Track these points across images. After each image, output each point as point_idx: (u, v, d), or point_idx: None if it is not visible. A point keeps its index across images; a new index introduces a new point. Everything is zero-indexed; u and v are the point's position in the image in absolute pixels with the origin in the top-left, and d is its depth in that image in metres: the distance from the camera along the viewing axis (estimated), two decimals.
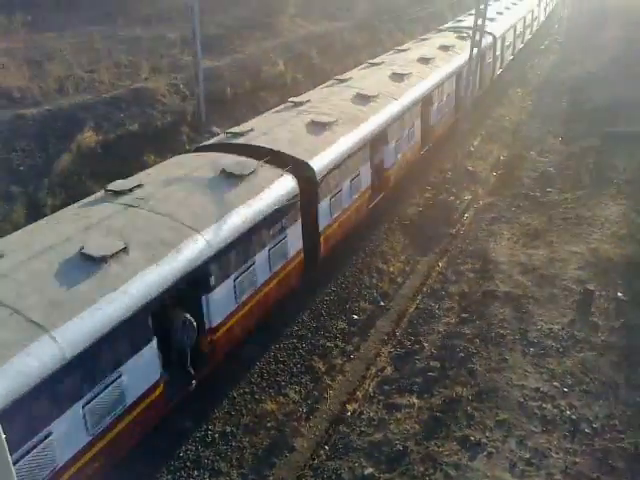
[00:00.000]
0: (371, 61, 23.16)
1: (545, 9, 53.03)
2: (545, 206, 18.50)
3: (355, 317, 14.56)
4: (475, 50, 22.66)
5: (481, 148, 24.86)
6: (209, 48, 24.41)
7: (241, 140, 14.37)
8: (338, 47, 32.23)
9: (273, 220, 12.18)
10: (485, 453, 9.66)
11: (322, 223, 14.25)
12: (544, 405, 10.47)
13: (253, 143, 14.09)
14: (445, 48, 25.04)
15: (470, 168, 22.55)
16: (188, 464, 10.52)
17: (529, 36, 42.59)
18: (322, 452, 10.76)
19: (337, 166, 14.58)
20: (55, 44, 23.63)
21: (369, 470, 9.91)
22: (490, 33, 28.46)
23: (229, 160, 12.88)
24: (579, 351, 11.79)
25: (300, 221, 13.25)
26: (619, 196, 18.51)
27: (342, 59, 30.72)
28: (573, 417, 10.23)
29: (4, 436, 2.41)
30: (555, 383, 10.99)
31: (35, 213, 14.78)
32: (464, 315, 13.65)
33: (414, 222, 19.04)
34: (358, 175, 15.85)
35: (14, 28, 24.28)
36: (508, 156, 23.85)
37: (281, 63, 27.39)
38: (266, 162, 12.96)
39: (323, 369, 12.83)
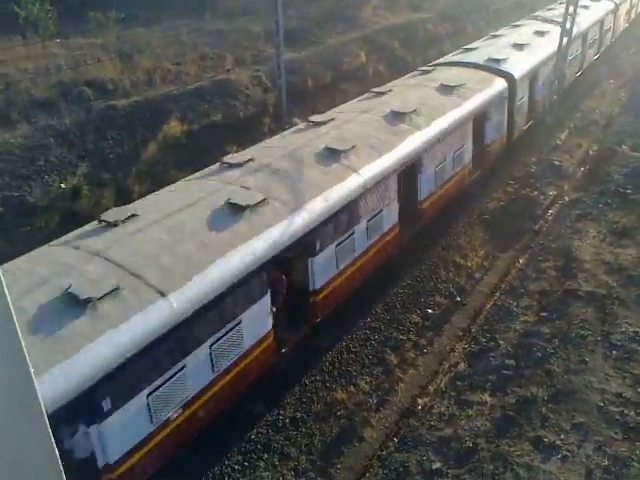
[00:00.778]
0: (314, 119, 15.05)
1: (628, 13, 40.43)
2: (636, 203, 17.52)
3: (430, 311, 14.39)
4: (565, 41, 21.77)
5: (569, 142, 23.84)
6: (291, 40, 24.74)
7: None
8: (421, 38, 31.80)
9: None
10: (559, 456, 9.31)
11: None
12: (626, 411, 9.95)
13: None
14: (448, 90, 16.99)
15: (556, 162, 21.70)
16: (259, 447, 10.77)
17: (594, 58, 31.96)
18: (390, 444, 10.73)
19: None
20: (145, 38, 24.64)
21: (437, 465, 9.79)
22: (505, 74, 19.53)
23: None
24: None
25: None
26: None
27: (425, 50, 30.35)
28: None
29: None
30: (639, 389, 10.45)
31: (123, 199, 15.48)
32: (543, 314, 13.18)
33: (495, 217, 18.55)
34: None
35: (109, 25, 25.52)
36: (597, 150, 22.75)
37: (362, 54, 27.35)
38: None
39: (395, 362, 12.77)
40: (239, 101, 21.72)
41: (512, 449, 9.62)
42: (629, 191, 18.44)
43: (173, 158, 18.46)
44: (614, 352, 11.39)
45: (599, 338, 11.82)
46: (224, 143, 19.45)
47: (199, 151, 18.68)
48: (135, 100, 19.58)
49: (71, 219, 14.70)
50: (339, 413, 11.43)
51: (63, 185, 16.10)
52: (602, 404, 10.19)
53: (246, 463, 10.44)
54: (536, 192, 19.62)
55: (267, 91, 22.76)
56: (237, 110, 21.32)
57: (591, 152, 22.79)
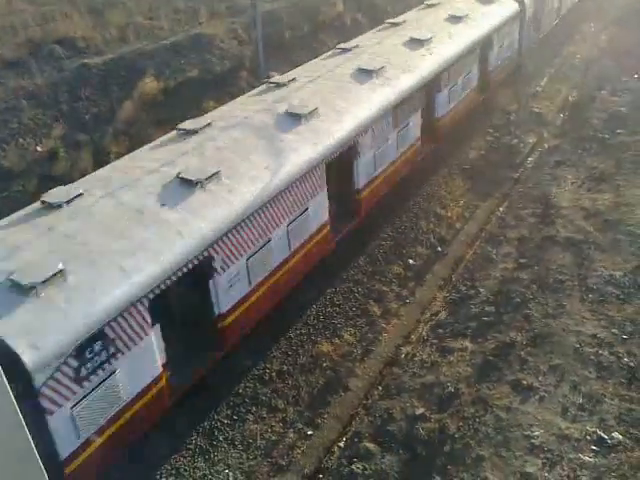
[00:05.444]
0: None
1: None
2: (614, 148, 17.67)
3: (411, 262, 14.57)
4: None
5: (548, 88, 23.79)
6: None
7: None
8: None
9: None
10: (537, 397, 9.66)
11: None
12: (600, 352, 10.31)
13: None
14: None
15: (536, 109, 21.71)
16: (247, 400, 11.02)
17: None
18: (375, 392, 11.05)
19: None
20: None
21: (420, 410, 10.12)
22: None
23: None
24: None
25: None
26: None
27: None
28: (631, 364, 10.02)
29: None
30: (614, 330, 10.76)
31: (100, 160, 15.30)
32: (522, 260, 13.45)
33: (475, 166, 18.61)
34: None
35: None
36: (577, 96, 22.75)
37: (340, 3, 26.75)
38: None
39: (378, 313, 13.01)
40: (215, 55, 21.26)
41: (492, 392, 9.96)
42: (607, 136, 18.58)
43: (151, 116, 18.16)
44: (590, 295, 11.70)
45: (576, 282, 12.11)
46: (202, 99, 19.16)
47: (177, 108, 18.39)
48: (108, 57, 19.11)
49: (49, 182, 14.54)
50: (324, 365, 11.68)
51: (39, 148, 15.86)
52: (578, 345, 10.53)
53: (235, 417, 10.70)
54: (516, 140, 19.67)
55: (243, 44, 22.28)
56: (213, 65, 20.90)
57: (571, 98, 22.79)
